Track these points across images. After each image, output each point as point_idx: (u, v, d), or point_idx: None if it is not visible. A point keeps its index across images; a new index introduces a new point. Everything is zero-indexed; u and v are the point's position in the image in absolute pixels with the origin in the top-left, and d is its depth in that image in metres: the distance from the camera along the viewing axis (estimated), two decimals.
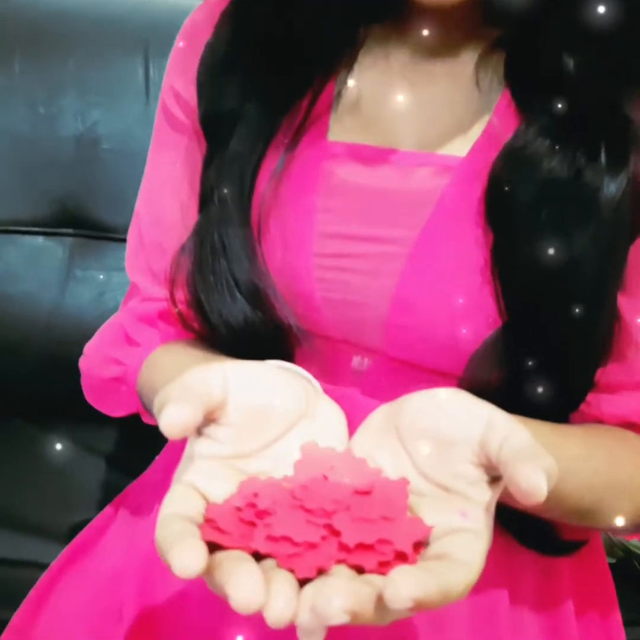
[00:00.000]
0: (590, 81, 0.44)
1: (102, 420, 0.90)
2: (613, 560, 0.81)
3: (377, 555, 0.30)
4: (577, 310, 0.46)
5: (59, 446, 0.92)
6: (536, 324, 0.46)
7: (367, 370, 0.51)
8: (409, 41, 0.50)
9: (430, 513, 0.32)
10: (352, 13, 0.49)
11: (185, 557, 0.28)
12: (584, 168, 0.43)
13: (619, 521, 0.45)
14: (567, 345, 0.47)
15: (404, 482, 0.33)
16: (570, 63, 0.44)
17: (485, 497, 0.33)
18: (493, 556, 0.50)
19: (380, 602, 0.28)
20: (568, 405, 0.49)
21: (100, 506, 0.71)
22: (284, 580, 0.29)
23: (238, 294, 0.48)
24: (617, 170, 0.43)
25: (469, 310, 0.46)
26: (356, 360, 0.52)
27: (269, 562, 0.30)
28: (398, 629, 0.50)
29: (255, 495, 0.31)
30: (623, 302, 0.47)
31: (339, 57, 0.51)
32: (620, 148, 0.44)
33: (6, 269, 0.93)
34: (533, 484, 0.30)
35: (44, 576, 0.60)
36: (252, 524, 0.31)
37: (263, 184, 0.49)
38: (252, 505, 0.31)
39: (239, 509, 0.31)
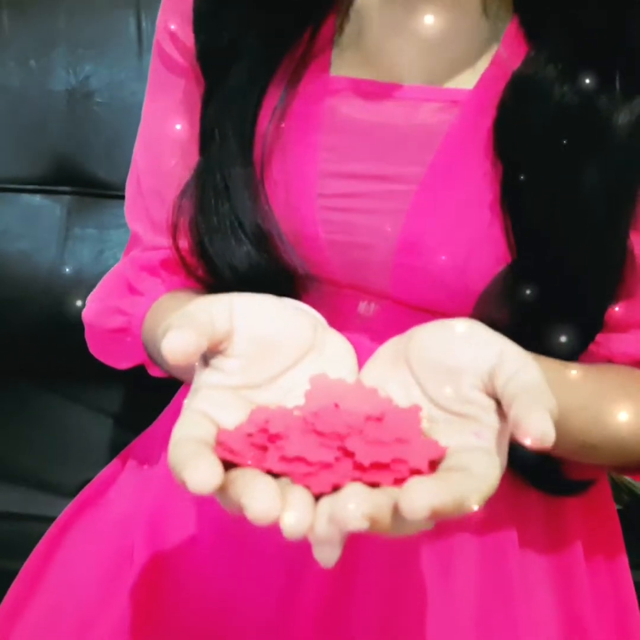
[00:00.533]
0: (600, 1, 0.42)
1: (105, 378, 0.92)
2: (620, 507, 0.82)
3: (392, 473, 0.30)
4: (588, 244, 0.45)
5: (61, 404, 0.93)
6: (546, 260, 0.45)
7: (374, 316, 0.51)
8: None
9: (444, 436, 0.32)
10: None
11: (201, 473, 0.28)
12: (597, 94, 0.42)
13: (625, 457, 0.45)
14: (576, 282, 0.46)
15: (416, 409, 0.33)
16: None
17: (497, 422, 0.32)
18: (501, 497, 0.50)
19: (396, 512, 0.28)
20: (578, 345, 0.49)
21: (105, 462, 0.71)
22: (300, 493, 0.29)
23: (243, 236, 0.47)
24: (631, 96, 0.42)
25: (477, 248, 0.45)
26: (362, 306, 0.51)
27: (283, 480, 0.30)
28: (408, 569, 0.51)
29: (267, 421, 0.31)
30: (635, 239, 0.47)
31: None
32: (635, 72, 0.42)
33: (4, 228, 0.92)
34: (541, 431, 0.29)
35: (53, 527, 0.60)
36: (264, 448, 0.30)
37: (265, 121, 0.48)
38: (264, 430, 0.31)
39: (250, 435, 0.31)
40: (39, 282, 0.92)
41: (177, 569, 0.52)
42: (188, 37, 0.52)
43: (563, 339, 0.47)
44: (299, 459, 0.29)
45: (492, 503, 0.50)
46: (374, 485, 0.30)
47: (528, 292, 0.45)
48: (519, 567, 0.52)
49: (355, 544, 0.46)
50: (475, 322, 0.36)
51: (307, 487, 0.29)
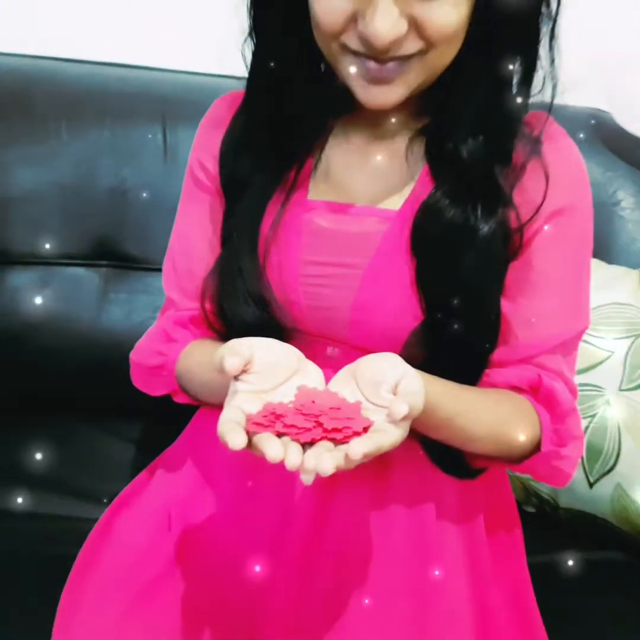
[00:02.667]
0: (475, 162, 0.68)
1: (129, 413, 1.14)
2: (533, 510, 1.04)
3: (343, 434, 0.53)
4: (472, 309, 0.69)
5: (97, 433, 1.15)
6: (445, 320, 0.69)
7: (337, 356, 0.74)
8: (361, 128, 0.74)
9: (372, 416, 0.56)
10: (324, 110, 0.73)
11: (236, 439, 0.52)
12: (470, 217, 0.67)
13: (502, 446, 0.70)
14: (468, 335, 0.70)
15: (358, 403, 0.57)
16: (463, 150, 0.68)
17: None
18: (421, 478, 0.73)
19: (346, 457, 0.52)
20: (474, 376, 0.72)
21: (130, 476, 0.91)
22: (294, 446, 0.53)
23: (250, 302, 0.71)
24: (489, 219, 0.67)
25: (402, 311, 0.69)
26: (329, 350, 0.74)
27: (284, 439, 0.54)
28: (357, 537, 0.72)
29: (274, 408, 0.55)
30: (504, 304, 0.71)
31: (315, 140, 0.74)
32: (493, 204, 0.68)
33: (54, 293, 1.14)
34: (396, 412, 0.54)
35: (105, 513, 0.82)
36: (273, 422, 0.54)
37: (266, 228, 0.72)
38: (273, 413, 0.55)
39: (265, 416, 0.54)
40: (81, 335, 1.14)
41: (203, 534, 0.74)
42: (214, 168, 0.77)
43: (461, 372, 0.71)
44: (293, 426, 0.53)
45: (417, 485, 0.73)
46: (333, 440, 0.54)
47: (434, 340, 0.69)
48: (437, 533, 0.74)
49: (328, 499, 0.70)
50: (392, 355, 0.60)
51: (297, 440, 0.53)
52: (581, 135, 1.13)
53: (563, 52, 1.15)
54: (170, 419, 0.90)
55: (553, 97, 0.70)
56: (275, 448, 0.52)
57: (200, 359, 0.74)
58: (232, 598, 0.71)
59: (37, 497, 1.02)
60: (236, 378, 0.58)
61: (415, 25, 0.61)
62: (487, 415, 0.69)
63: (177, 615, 0.71)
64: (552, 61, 0.69)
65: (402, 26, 0.61)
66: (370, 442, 0.53)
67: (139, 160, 1.14)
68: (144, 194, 1.13)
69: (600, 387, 0.96)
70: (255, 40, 0.72)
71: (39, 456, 1.02)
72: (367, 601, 0.71)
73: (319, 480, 0.54)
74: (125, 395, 0.92)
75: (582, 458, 0.97)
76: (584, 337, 0.93)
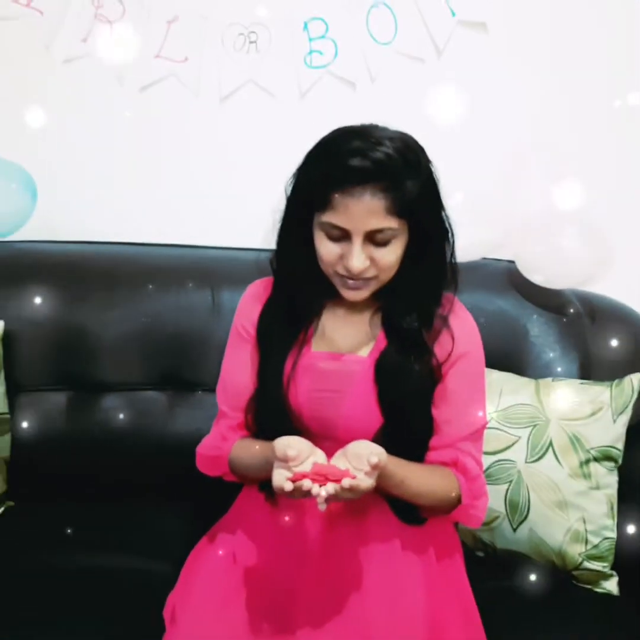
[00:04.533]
0: (410, 330, 1.12)
1: (186, 496, 1.49)
2: (482, 554, 1.45)
3: (338, 482, 0.97)
4: (412, 416, 1.14)
5: (154, 512, 1.50)
6: (397, 423, 1.13)
7: (331, 447, 1.14)
8: (344, 306, 1.18)
9: (356, 474, 0.99)
10: (320, 296, 1.18)
11: (287, 484, 0.96)
12: (408, 362, 1.12)
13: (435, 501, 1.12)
14: (411, 433, 1.14)
15: (347, 471, 1.00)
16: (403, 323, 1.13)
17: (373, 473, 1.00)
18: (389, 523, 1.19)
19: (341, 487, 0.96)
20: (419, 457, 1.16)
21: (189, 540, 1.30)
22: (316, 486, 0.96)
23: (278, 415, 1.14)
24: (420, 362, 1.12)
25: (369, 418, 1.13)
26: (326, 443, 1.14)
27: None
28: (349, 563, 1.14)
29: (303, 472, 0.98)
30: (434, 411, 1.15)
31: (315, 314, 1.20)
32: (422, 354, 1.12)
33: (134, 411, 1.56)
34: (371, 459, 0.98)
35: (189, 557, 1.24)
36: (305, 476, 0.97)
37: (288, 369, 1.15)
38: (303, 475, 0.98)
39: (302, 475, 0.98)
40: (152, 445, 1.55)
41: (253, 563, 1.17)
42: (252, 330, 1.20)
43: (409, 454, 1.14)
44: (313, 478, 0.97)
45: (386, 528, 1.19)
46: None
47: (390, 436, 1.13)
48: (403, 561, 1.15)
49: (329, 540, 1.16)
50: (366, 441, 1.04)
51: (317, 483, 0.97)
52: (501, 284, 1.60)
53: (486, 222, 1.63)
54: (213, 500, 1.30)
55: (456, 286, 1.15)
56: (308, 483, 0.96)
57: (243, 452, 1.17)
58: (273, 599, 1.14)
59: (114, 556, 1.35)
60: (278, 458, 1.01)
61: (373, 262, 1.07)
62: (426, 480, 1.12)
63: (246, 614, 1.12)
64: (453, 270, 1.14)
65: (367, 263, 1.07)
66: (354, 481, 0.97)
67: (195, 317, 1.56)
68: (198, 338, 1.56)
69: (513, 461, 1.38)
70: (280, 253, 1.16)
71: (117, 525, 1.39)
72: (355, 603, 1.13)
73: (322, 529, 1.00)
74: (183, 481, 1.34)
75: (507, 510, 1.37)
76: (500, 427, 1.40)
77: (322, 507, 0.97)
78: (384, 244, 1.06)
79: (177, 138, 1.77)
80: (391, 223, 1.05)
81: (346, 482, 0.96)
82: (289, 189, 1.12)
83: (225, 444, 1.21)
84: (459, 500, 1.14)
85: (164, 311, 1.57)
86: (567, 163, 1.56)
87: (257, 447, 1.16)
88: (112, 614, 1.25)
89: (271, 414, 1.17)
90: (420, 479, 1.12)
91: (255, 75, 1.74)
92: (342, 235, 1.07)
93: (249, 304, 1.23)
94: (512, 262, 1.62)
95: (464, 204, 1.45)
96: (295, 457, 1.00)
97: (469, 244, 1.40)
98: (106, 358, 1.56)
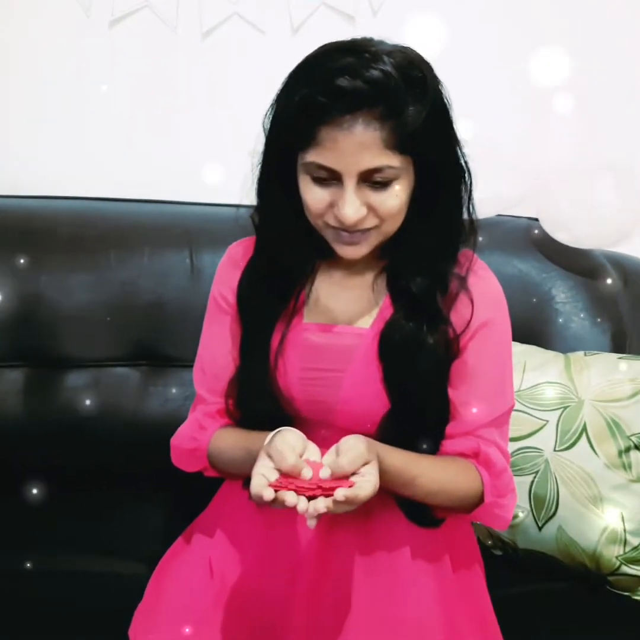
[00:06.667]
0: (422, 294, 0.93)
1: (164, 485, 1.36)
2: (500, 553, 1.27)
3: (332, 491, 0.78)
4: (427, 398, 0.95)
5: (133, 502, 1.37)
6: (406, 408, 0.95)
7: (329, 436, 0.97)
8: (339, 268, 1.00)
9: (356, 479, 0.80)
10: (311, 256, 0.99)
11: (265, 493, 0.77)
12: (420, 332, 0.93)
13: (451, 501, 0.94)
14: (424, 418, 0.96)
15: (351, 481, 0.80)
16: (413, 286, 0.94)
17: (372, 470, 0.81)
18: (397, 528, 0.98)
19: (334, 501, 0.77)
20: (433, 447, 0.97)
21: (163, 537, 1.15)
22: (302, 499, 0.77)
23: (264, 399, 0.96)
24: (434, 333, 0.93)
25: (374, 402, 0.94)
26: (323, 431, 0.98)
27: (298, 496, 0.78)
28: (349, 575, 0.96)
29: (288, 482, 0.79)
30: (450, 392, 0.96)
31: (306, 278, 1.01)
32: (436, 323, 0.94)
33: (103, 389, 1.40)
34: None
35: (161, 561, 1.06)
36: (291, 483, 0.78)
37: (275, 344, 0.97)
38: (287, 484, 0.79)
39: (283, 480, 0.79)
40: (125, 422, 1.39)
41: (234, 575, 0.99)
42: (232, 299, 1.02)
43: (424, 444, 0.96)
44: (302, 487, 0.78)
45: (394, 534, 0.98)
46: (327, 496, 0.78)
47: (398, 423, 0.95)
48: (411, 571, 0.98)
49: (325, 548, 0.95)
50: (360, 436, 0.84)
51: (304, 495, 0.77)
52: (521, 244, 1.42)
53: (506, 175, 1.44)
54: (195, 491, 1.13)
55: (475, 241, 0.97)
56: (291, 498, 0.77)
57: (224, 443, 0.99)
58: (260, 619, 0.95)
59: (81, 556, 1.23)
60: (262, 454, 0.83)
61: (371, 209, 0.88)
62: (440, 475, 0.94)
63: (227, 632, 0.95)
64: (471, 221, 0.95)
65: (363, 211, 0.88)
66: (350, 491, 0.78)
67: (171, 280, 1.40)
68: (175, 306, 1.39)
69: (539, 449, 1.21)
70: (261, 206, 0.98)
71: (85, 520, 1.25)
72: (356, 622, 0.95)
73: (318, 534, 0.79)
74: (160, 471, 1.17)
75: (531, 506, 1.20)
76: (524, 409, 1.20)
77: (312, 523, 0.78)
78: (383, 186, 0.87)
79: (153, 79, 1.57)
80: (390, 160, 0.86)
81: (340, 493, 0.77)
82: (267, 124, 0.92)
83: (203, 434, 1.02)
84: (481, 499, 0.95)
85: (135, 275, 1.41)
86: (600, 103, 1.36)
87: (239, 437, 0.98)
88: (76, 624, 1.09)
89: (256, 398, 0.98)
90: (434, 476, 0.93)
91: (241, 7, 1.55)
92: (331, 178, 0.87)
93: (227, 268, 1.05)
94: (534, 219, 1.45)
95: (479, 152, 1.26)
96: (291, 469, 0.81)
97: (483, 198, 1.22)
98: (69, 330, 1.39)
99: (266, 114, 0.92)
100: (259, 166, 0.94)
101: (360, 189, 0.87)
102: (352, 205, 0.87)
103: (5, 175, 1.51)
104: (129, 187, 1.52)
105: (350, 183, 0.86)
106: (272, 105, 0.91)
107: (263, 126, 0.92)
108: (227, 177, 1.27)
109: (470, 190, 0.94)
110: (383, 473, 0.84)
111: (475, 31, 1.51)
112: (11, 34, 1.54)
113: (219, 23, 1.56)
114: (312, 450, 0.87)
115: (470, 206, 0.95)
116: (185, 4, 1.55)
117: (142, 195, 1.51)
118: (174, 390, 1.41)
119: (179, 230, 1.45)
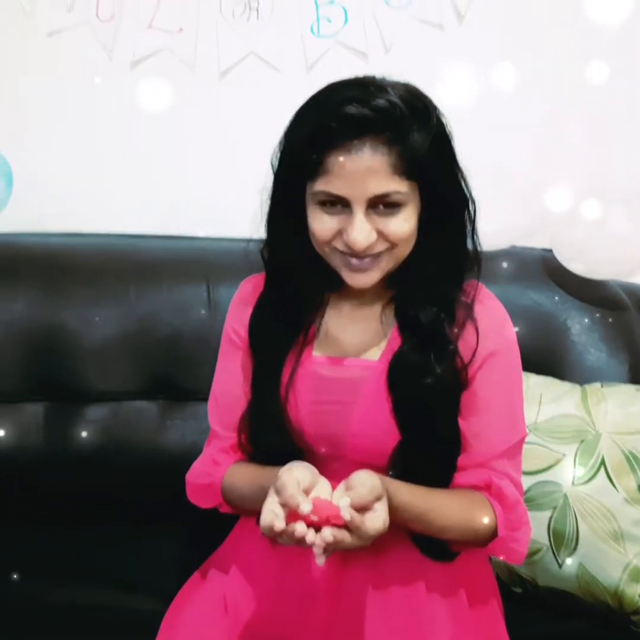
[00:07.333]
0: (430, 324, 0.94)
1: (181, 520, 1.34)
2: (520, 590, 1.24)
3: (340, 524, 0.77)
4: (437, 430, 0.94)
5: (148, 538, 1.35)
6: (417, 439, 0.94)
7: (341, 469, 0.97)
8: (348, 299, 1.00)
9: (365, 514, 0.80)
10: (321, 288, 0.99)
11: (277, 523, 0.76)
12: (428, 362, 0.93)
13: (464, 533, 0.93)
14: (434, 451, 0.95)
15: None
16: (422, 316, 0.94)
17: (382, 506, 0.80)
18: (411, 563, 0.97)
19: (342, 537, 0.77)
20: (445, 480, 0.96)
21: (179, 572, 1.13)
22: (311, 530, 0.76)
23: (276, 432, 0.96)
24: (442, 363, 0.92)
25: (384, 434, 0.94)
26: (334, 465, 0.96)
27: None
28: (362, 611, 0.95)
29: (298, 514, 0.78)
30: (461, 422, 0.95)
31: (316, 311, 1.01)
32: (444, 353, 0.93)
33: (120, 422, 1.41)
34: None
35: (176, 597, 1.06)
36: (300, 517, 0.77)
37: (285, 378, 0.97)
38: (296, 516, 0.78)
39: (292, 514, 0.78)
40: (142, 455, 1.40)
41: (249, 611, 0.99)
42: (244, 334, 1.02)
43: (435, 476, 0.95)
44: (310, 522, 0.77)
45: (408, 569, 0.97)
46: (334, 525, 0.78)
47: (409, 455, 0.94)
48: (428, 607, 0.97)
49: (338, 585, 0.95)
50: (369, 471, 0.83)
51: (313, 527, 0.77)
52: (535, 275, 1.41)
53: (519, 205, 1.43)
54: (212, 525, 1.12)
55: (479, 269, 0.96)
56: (302, 527, 0.77)
57: (237, 479, 0.99)
58: None
59: (99, 590, 1.23)
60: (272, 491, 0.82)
61: (381, 235, 0.89)
62: (452, 509, 0.93)
63: None
64: (476, 251, 0.95)
65: (373, 236, 0.88)
66: (357, 520, 0.78)
67: (189, 314, 1.41)
68: (193, 340, 1.39)
69: (557, 483, 1.18)
70: (270, 240, 0.98)
71: (102, 553, 1.25)
72: None
73: (332, 571, 0.79)
74: (177, 504, 1.13)
75: (551, 541, 1.18)
76: (541, 442, 1.19)
77: (320, 561, 0.77)
78: (391, 212, 0.88)
79: (172, 117, 1.59)
80: (398, 185, 0.87)
81: (346, 515, 0.77)
82: (275, 161, 0.93)
83: (217, 470, 1.02)
84: (495, 532, 0.94)
85: (154, 310, 1.42)
86: (612, 132, 1.36)
87: (252, 473, 0.98)
88: None
89: (267, 432, 0.99)
90: (445, 510, 0.92)
91: (257, 47, 1.58)
92: (340, 205, 0.88)
93: (238, 304, 1.06)
94: (548, 250, 1.44)
95: (491, 182, 1.26)
96: (288, 498, 0.80)
97: (497, 229, 1.22)
98: (89, 364, 1.40)
99: (274, 152, 0.93)
100: (269, 200, 0.96)
101: (368, 215, 0.88)
102: (361, 231, 0.88)
103: (30, 212, 1.54)
104: (148, 223, 1.55)
105: (359, 209, 0.87)
106: (280, 141, 0.93)
107: (271, 163, 0.94)
108: (244, 212, 1.29)
109: (474, 220, 0.95)
110: (393, 509, 0.83)
111: (487, 64, 1.52)
112: (35, 75, 1.58)
113: (236, 62, 1.59)
114: (323, 485, 0.86)
115: (474, 236, 0.95)
116: (203, 45, 1.58)
117: (161, 232, 1.54)
118: (192, 423, 1.41)
119: (196, 265, 1.46)
